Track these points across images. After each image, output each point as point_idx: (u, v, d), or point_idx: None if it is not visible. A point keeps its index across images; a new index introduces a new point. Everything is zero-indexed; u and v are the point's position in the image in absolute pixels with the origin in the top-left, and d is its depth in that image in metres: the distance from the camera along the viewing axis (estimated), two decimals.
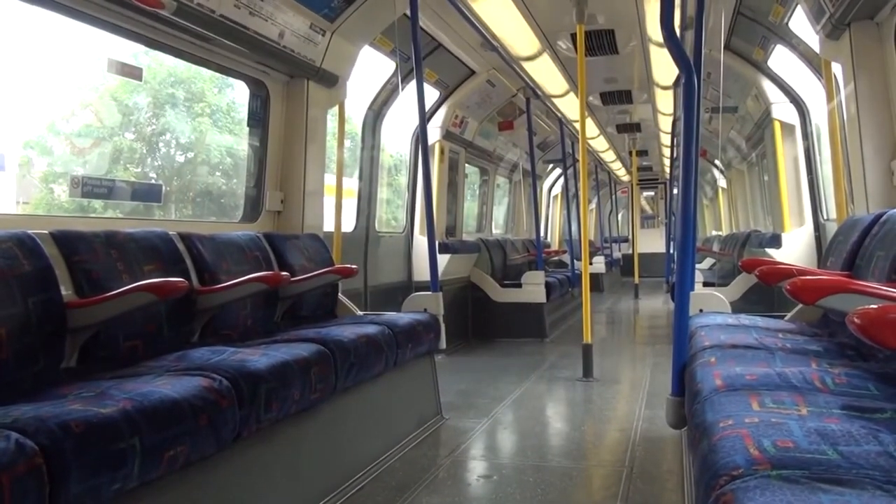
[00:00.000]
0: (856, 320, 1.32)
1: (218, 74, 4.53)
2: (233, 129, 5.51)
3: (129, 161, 4.67)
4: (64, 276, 2.54)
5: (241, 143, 5.38)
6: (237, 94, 5.50)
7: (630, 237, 16.34)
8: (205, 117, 5.34)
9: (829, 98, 4.49)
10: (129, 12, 3.18)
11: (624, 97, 8.64)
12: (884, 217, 3.02)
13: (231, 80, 4.57)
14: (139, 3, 3.07)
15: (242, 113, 4.56)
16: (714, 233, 15.26)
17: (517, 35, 5.85)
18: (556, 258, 11.79)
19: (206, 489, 2.21)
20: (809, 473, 1.24)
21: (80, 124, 4.28)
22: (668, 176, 13.77)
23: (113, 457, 1.69)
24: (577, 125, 5.77)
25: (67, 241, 2.64)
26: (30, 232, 2.45)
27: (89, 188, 3.37)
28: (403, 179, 7.30)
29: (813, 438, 1.41)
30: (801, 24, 4.85)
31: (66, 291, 2.50)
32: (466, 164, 8.38)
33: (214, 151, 5.47)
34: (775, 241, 6.49)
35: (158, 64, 3.78)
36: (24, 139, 4.03)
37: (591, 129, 10.46)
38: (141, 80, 3.59)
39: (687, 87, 2.93)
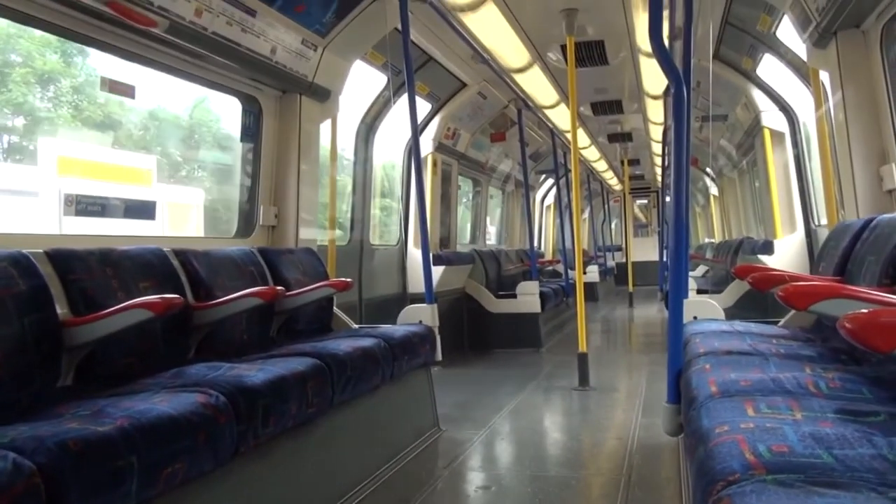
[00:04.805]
0: (846, 324, 1.33)
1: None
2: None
3: None
4: (59, 294, 2.54)
5: None
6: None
7: (623, 246, 16.40)
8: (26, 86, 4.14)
9: (818, 106, 4.54)
10: (122, 31, 3.20)
11: (615, 107, 8.69)
12: (874, 222, 3.05)
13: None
14: (132, 21, 3.09)
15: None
16: (707, 240, 15.33)
17: (508, 47, 5.90)
18: (550, 268, 11.83)
19: None
20: (805, 477, 1.25)
21: None
22: (660, 184, 13.85)
23: (111, 475, 1.68)
24: (569, 135, 5.81)
25: (62, 260, 2.64)
26: (24, 251, 2.45)
27: (83, 206, 3.38)
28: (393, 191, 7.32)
29: (808, 443, 1.42)
30: (788, 33, 4.90)
31: (61, 310, 2.50)
32: (459, 176, 8.40)
33: None
34: (767, 247, 6.52)
35: None
36: None
37: (583, 139, 10.52)
38: (134, 97, 3.58)
39: (676, 97, 2.95)
